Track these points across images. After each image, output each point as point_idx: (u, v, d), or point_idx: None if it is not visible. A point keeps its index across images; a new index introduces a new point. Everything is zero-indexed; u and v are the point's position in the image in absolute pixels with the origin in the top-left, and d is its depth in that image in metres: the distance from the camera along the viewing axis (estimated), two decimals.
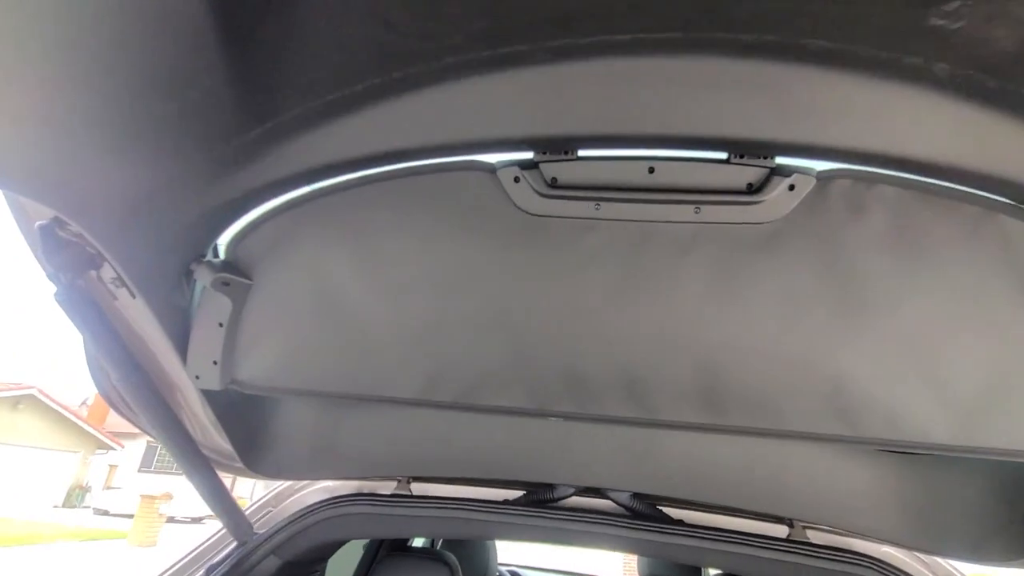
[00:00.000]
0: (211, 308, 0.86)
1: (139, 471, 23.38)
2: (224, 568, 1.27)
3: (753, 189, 0.70)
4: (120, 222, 0.72)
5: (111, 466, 22.56)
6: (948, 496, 1.08)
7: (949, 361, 0.72)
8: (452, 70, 0.61)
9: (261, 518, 1.42)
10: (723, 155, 0.69)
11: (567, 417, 0.84)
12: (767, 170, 0.69)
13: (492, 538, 1.61)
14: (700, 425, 0.81)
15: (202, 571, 1.27)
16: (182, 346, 0.90)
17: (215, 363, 0.88)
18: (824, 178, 0.69)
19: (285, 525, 1.37)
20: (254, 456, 1.19)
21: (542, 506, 1.34)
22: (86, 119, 0.57)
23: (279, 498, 1.49)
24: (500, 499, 1.38)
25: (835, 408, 0.76)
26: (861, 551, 1.21)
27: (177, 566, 1.30)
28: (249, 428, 1.17)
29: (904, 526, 1.10)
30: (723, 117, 0.64)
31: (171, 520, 14.87)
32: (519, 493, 1.41)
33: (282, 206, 0.83)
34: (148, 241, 0.77)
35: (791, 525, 1.28)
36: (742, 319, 0.75)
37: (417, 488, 1.41)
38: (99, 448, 21.23)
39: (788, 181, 0.69)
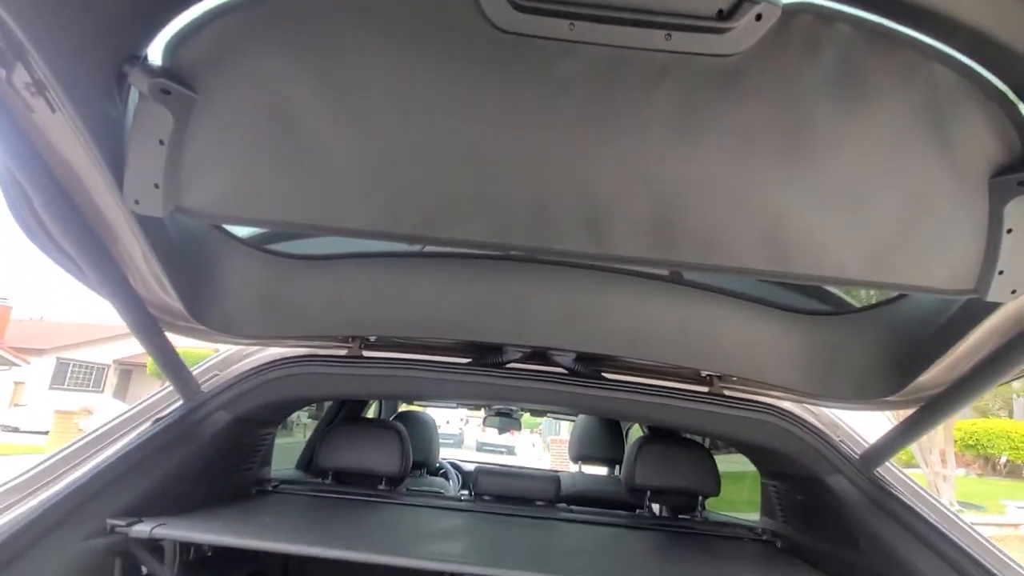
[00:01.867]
0: (150, 123, 0.79)
1: (50, 388, 22.07)
2: (172, 418, 1.26)
3: (723, 15, 0.71)
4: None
5: (16, 383, 21.11)
6: (839, 349, 1.25)
7: (869, 204, 0.81)
8: None
9: (208, 379, 1.41)
10: None
11: (528, 251, 0.87)
12: None
13: (443, 398, 1.69)
14: (651, 260, 0.86)
15: (149, 422, 1.26)
16: (117, 169, 0.82)
17: (156, 186, 0.82)
18: (788, 12, 0.72)
19: (234, 383, 1.37)
20: (201, 308, 1.15)
21: (491, 367, 1.42)
22: None
23: (226, 363, 1.48)
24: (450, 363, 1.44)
25: (771, 245, 0.83)
26: (766, 402, 1.40)
27: (123, 417, 1.29)
28: (195, 278, 1.13)
29: (804, 377, 1.27)
30: None
31: None
32: (468, 360, 1.47)
33: (232, 3, 0.75)
34: (76, 27, 0.68)
35: (711, 383, 1.44)
36: (700, 156, 0.79)
37: (368, 354, 1.45)
38: (1, 365, 19.68)
39: (756, 10, 0.71)
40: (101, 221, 0.94)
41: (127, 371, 24.25)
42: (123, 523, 1.06)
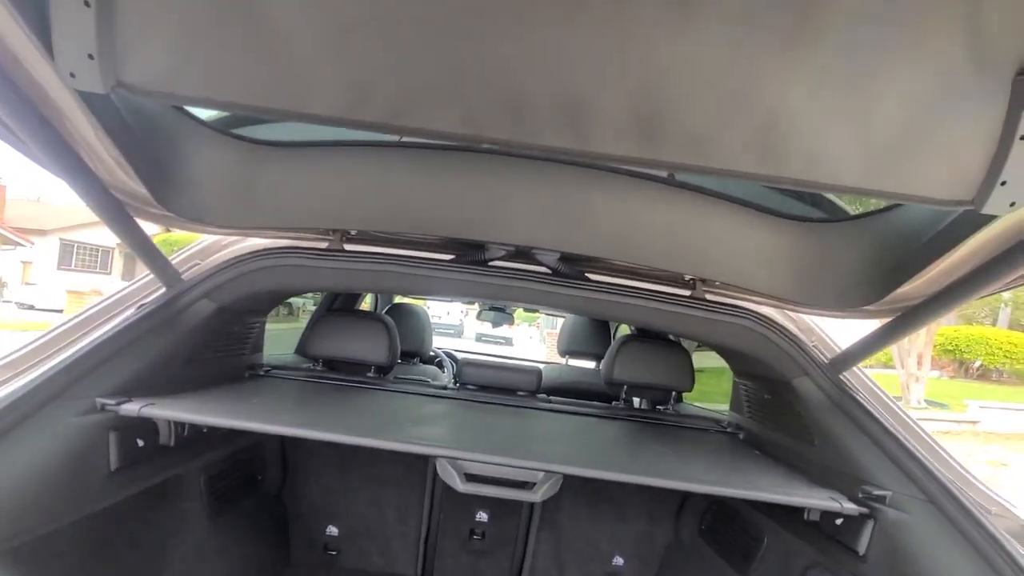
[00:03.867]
0: None
1: (59, 268, 22.52)
2: (155, 304, 1.28)
3: None
4: None
5: (24, 263, 21.49)
6: (825, 258, 1.22)
7: (874, 104, 0.73)
8: None
9: (190, 268, 1.41)
10: None
11: (502, 145, 0.81)
12: None
13: (427, 294, 1.71)
14: (632, 159, 0.81)
15: (132, 308, 1.28)
16: (44, 36, 0.74)
17: (91, 57, 0.75)
18: None
19: (215, 272, 1.37)
20: (168, 194, 1.11)
21: (473, 265, 1.41)
22: None
23: (206, 252, 1.46)
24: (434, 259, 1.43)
25: (762, 146, 0.77)
26: (746, 307, 1.40)
27: (107, 303, 1.31)
28: (157, 162, 1.07)
29: (787, 285, 1.26)
30: None
31: None
32: (451, 256, 1.46)
33: None
34: None
35: (693, 287, 1.44)
36: (692, 40, 0.70)
37: (350, 248, 1.43)
38: (4, 244, 19.89)
39: None
40: (41, 96, 0.87)
41: (132, 254, 24.47)
42: (113, 402, 1.11)
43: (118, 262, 24.37)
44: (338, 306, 2.60)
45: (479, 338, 19.02)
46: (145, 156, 1.02)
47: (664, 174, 1.23)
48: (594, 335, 3.13)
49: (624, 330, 3.04)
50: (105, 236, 23.69)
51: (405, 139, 1.27)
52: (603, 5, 0.69)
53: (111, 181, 1.05)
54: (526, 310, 3.67)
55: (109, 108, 0.91)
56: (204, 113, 1.13)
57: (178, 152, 1.12)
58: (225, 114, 1.18)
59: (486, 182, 1.25)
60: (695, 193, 1.22)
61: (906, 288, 1.06)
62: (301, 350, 2.50)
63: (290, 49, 0.75)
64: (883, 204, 1.14)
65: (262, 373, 1.74)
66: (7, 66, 0.81)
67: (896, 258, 1.09)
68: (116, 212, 1.05)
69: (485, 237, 1.32)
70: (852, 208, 1.24)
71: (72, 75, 0.76)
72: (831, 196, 1.25)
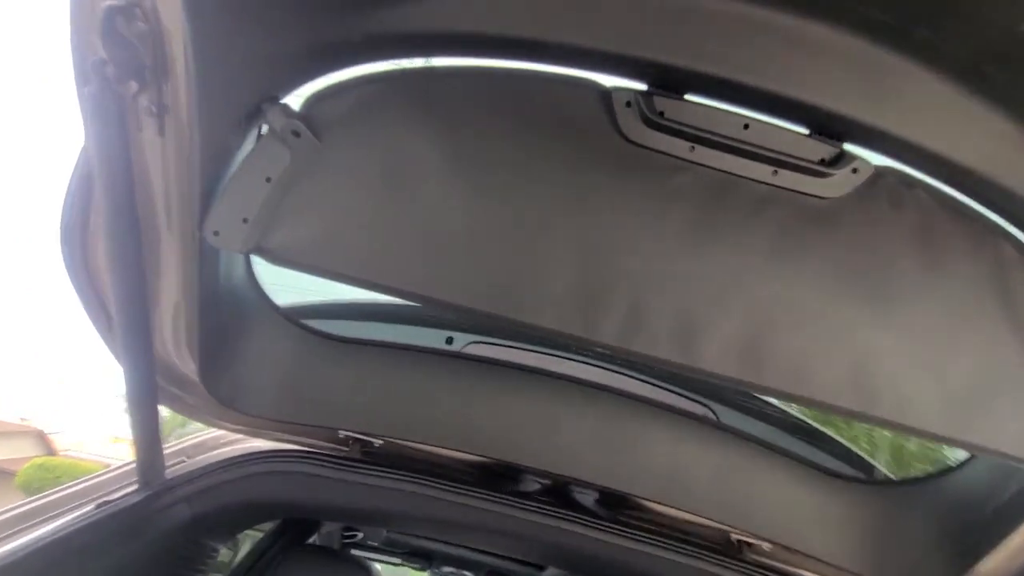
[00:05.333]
0: (264, 158, 0.78)
1: None
2: (120, 506, 1.03)
3: (825, 163, 0.80)
4: (219, 17, 0.65)
5: None
6: (887, 523, 1.18)
7: (947, 359, 0.83)
8: None
9: (173, 465, 1.19)
10: (806, 130, 0.79)
11: (616, 352, 0.84)
12: (838, 151, 0.79)
13: (447, 527, 1.43)
14: (738, 381, 0.84)
15: (93, 504, 1.02)
16: (205, 199, 0.79)
17: (245, 221, 0.79)
18: (879, 172, 0.81)
19: (204, 473, 1.16)
20: (213, 373, 1.02)
21: (506, 495, 1.27)
22: None
23: (198, 448, 1.27)
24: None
25: (858, 385, 0.83)
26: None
27: (60, 494, 1.04)
28: (219, 338, 1.02)
29: (847, 551, 1.18)
30: (817, 84, 0.74)
31: None
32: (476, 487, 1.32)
33: (377, 75, 0.80)
34: (234, 56, 0.70)
35: (739, 551, 1.30)
36: (794, 283, 0.82)
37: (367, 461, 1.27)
38: None
39: (853, 164, 0.80)
40: (154, 255, 0.87)
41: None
42: None
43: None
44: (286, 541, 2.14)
45: None
46: (211, 328, 0.98)
47: (713, 417, 1.25)
48: None
49: None
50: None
51: (464, 351, 1.28)
52: (721, 241, 0.81)
53: (163, 357, 0.99)
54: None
55: (211, 272, 0.91)
56: (279, 296, 1.14)
57: (241, 329, 1.08)
58: (298, 303, 1.19)
59: (534, 404, 1.22)
60: (744, 439, 1.22)
61: (989, 564, 1.00)
62: None
63: (438, 240, 0.81)
64: (936, 469, 1.16)
65: None
66: (142, 216, 0.83)
67: (964, 528, 1.06)
68: (149, 395, 0.97)
69: (524, 461, 1.22)
70: (892, 473, 1.25)
71: (216, 233, 0.79)
72: (869, 457, 1.28)
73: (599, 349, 0.86)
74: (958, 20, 0.65)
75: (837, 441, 1.34)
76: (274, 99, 0.77)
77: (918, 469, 1.23)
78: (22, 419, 14.48)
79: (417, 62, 0.82)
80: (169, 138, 0.77)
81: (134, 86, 0.73)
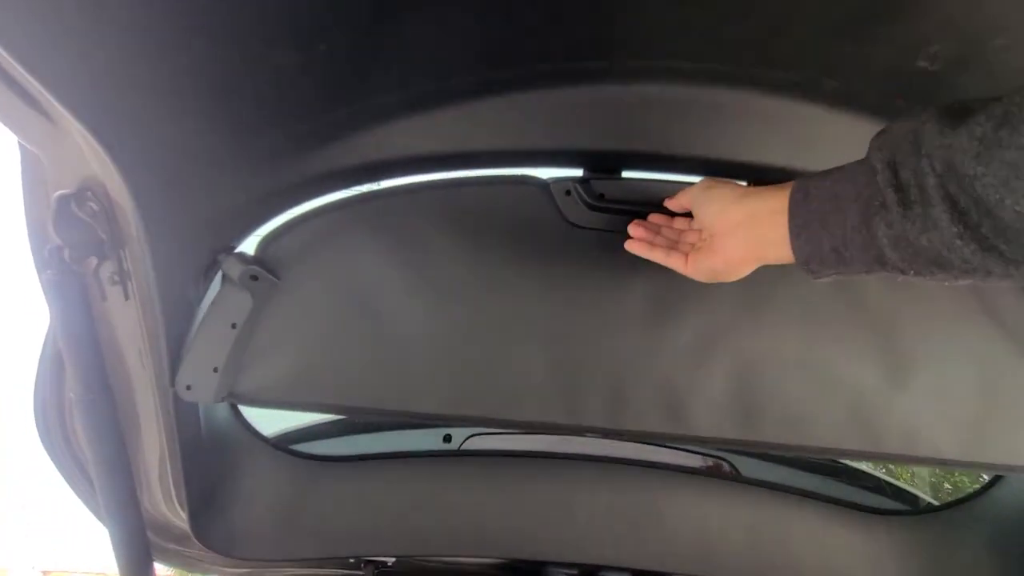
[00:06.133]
0: (227, 306, 0.79)
1: None
2: None
3: None
4: (165, 190, 0.68)
5: None
6: (940, 550, 1.10)
7: (949, 381, 0.81)
8: (537, 77, 0.71)
9: None
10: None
11: (604, 433, 0.82)
12: None
13: None
14: (736, 441, 0.81)
15: None
16: (175, 354, 0.79)
17: (215, 370, 0.79)
18: None
19: None
20: (206, 523, 0.99)
21: None
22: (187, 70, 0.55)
23: None
24: None
25: (858, 422, 0.80)
26: None
27: None
28: (209, 485, 1.00)
29: None
30: (745, 144, 0.77)
31: None
32: None
33: (326, 206, 0.83)
34: (184, 220, 0.73)
35: None
36: (769, 333, 0.81)
37: None
38: None
39: None
40: (132, 416, 0.87)
41: None
42: None
43: None
44: None
45: None
46: (200, 479, 0.96)
47: (734, 471, 1.19)
48: None
49: None
50: None
51: (464, 447, 1.25)
52: (687, 305, 0.81)
53: (153, 515, 0.97)
54: None
55: (192, 425, 0.90)
56: (266, 427, 1.12)
57: (232, 471, 1.05)
58: (287, 429, 1.17)
59: (545, 490, 1.18)
60: (773, 491, 1.16)
61: None
62: None
63: (407, 356, 0.81)
64: (973, 489, 1.09)
65: None
66: (115, 384, 0.83)
67: (1016, 545, 0.99)
68: (142, 558, 0.92)
69: (546, 556, 1.15)
70: (934, 499, 1.18)
71: (188, 387, 0.78)
72: (900, 484, 1.21)
73: (589, 435, 0.83)
74: (863, 66, 0.68)
75: (870, 475, 1.28)
76: (229, 249, 0.79)
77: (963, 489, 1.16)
78: None
79: (363, 187, 0.85)
80: (134, 300, 0.78)
81: (94, 261, 0.76)
